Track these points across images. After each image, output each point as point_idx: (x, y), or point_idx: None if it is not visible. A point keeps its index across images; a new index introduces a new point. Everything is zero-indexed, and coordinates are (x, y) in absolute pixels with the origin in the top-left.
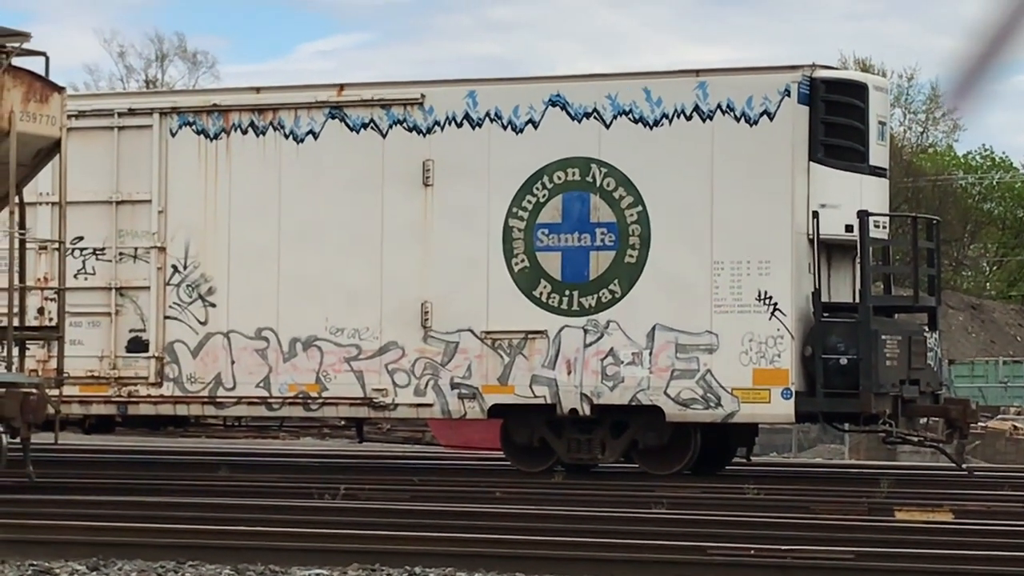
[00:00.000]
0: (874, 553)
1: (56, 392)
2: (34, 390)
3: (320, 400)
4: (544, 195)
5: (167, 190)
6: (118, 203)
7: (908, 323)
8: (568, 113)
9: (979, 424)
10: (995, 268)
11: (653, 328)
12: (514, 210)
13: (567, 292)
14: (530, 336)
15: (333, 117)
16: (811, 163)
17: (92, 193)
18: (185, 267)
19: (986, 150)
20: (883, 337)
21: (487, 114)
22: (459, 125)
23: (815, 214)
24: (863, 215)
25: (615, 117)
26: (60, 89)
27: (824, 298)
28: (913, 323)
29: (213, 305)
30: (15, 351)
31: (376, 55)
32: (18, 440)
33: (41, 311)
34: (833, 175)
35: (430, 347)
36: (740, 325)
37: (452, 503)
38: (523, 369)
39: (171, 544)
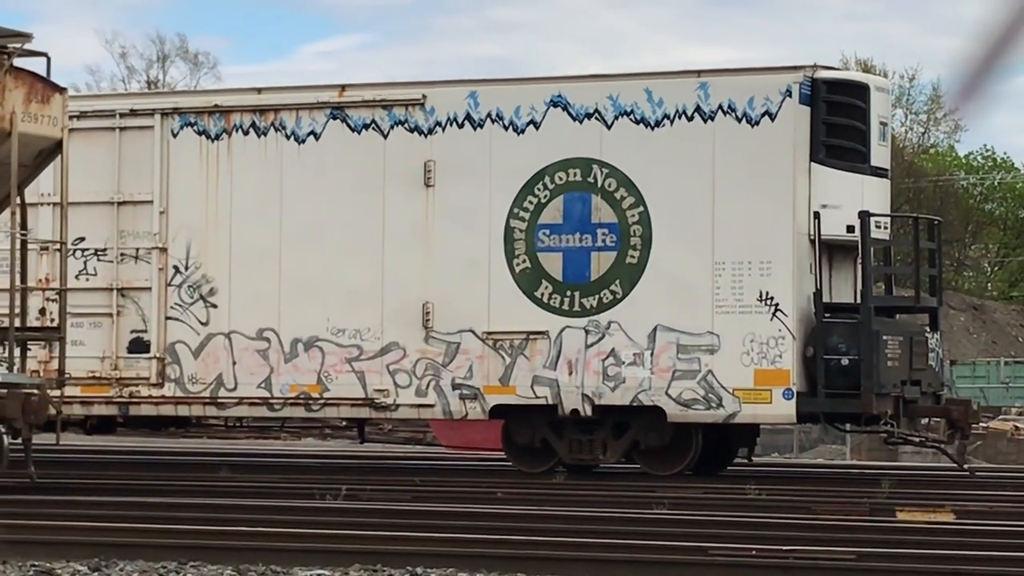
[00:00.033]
0: (875, 554)
1: (57, 393)
2: (35, 391)
3: (321, 401)
4: (545, 196)
5: (168, 191)
6: (119, 204)
7: (909, 324)
8: (569, 114)
9: (980, 425)
10: (996, 269)
11: (654, 329)
12: (515, 211)
13: (568, 293)
14: (531, 337)
15: (334, 118)
16: (812, 163)
17: (93, 194)
18: (186, 268)
19: (987, 151)
20: (884, 338)
21: (488, 115)
22: (460, 126)
23: (816, 215)
24: (864, 216)
25: (616, 118)
26: (62, 90)
27: (825, 299)
28: (914, 324)
29: (214, 306)
30: (16, 352)
31: (377, 56)
32: (20, 441)
33: (42, 312)
34: (834, 176)
35: (431, 348)
36: (741, 326)
37: (454, 504)
38: (524, 370)
39: (173, 544)
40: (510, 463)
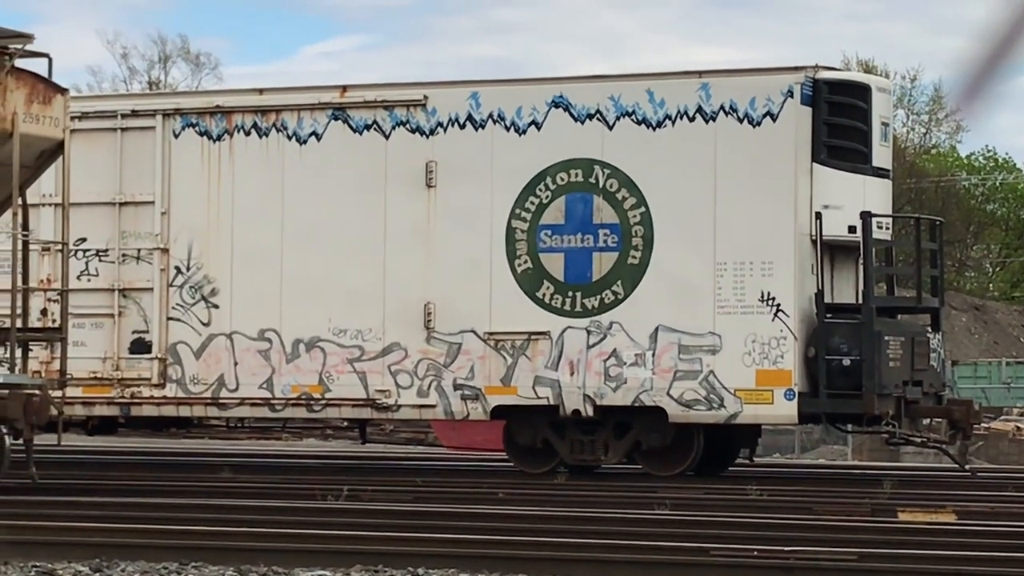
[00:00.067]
0: (877, 554)
1: (59, 393)
2: (37, 391)
3: (323, 401)
4: (547, 196)
5: (170, 191)
6: (121, 204)
7: (911, 324)
8: (571, 114)
9: (982, 425)
10: (998, 269)
11: (656, 329)
12: (517, 211)
13: (570, 293)
14: (533, 337)
15: (336, 118)
16: (814, 164)
17: (95, 194)
18: (188, 268)
19: (989, 151)
20: (886, 338)
21: (490, 115)
22: (462, 126)
23: (818, 215)
24: (866, 216)
25: (618, 118)
26: (63, 91)
27: (827, 299)
28: (916, 324)
29: (216, 306)
30: (18, 352)
31: (379, 57)
32: (21, 441)
33: (44, 312)
34: (836, 176)
35: (433, 348)
36: (743, 326)
37: (455, 504)
38: (526, 370)
39: (174, 545)
40: (511, 464)
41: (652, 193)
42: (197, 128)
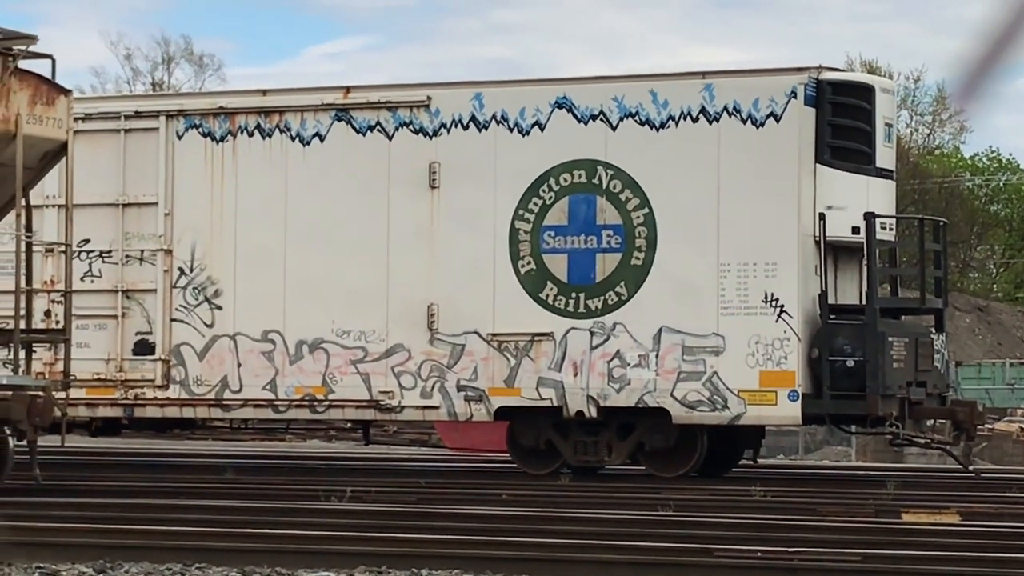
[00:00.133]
0: (881, 555)
1: (63, 395)
2: (41, 393)
3: (326, 402)
4: (550, 197)
5: (173, 192)
6: (124, 206)
7: (915, 325)
8: (574, 115)
9: (986, 426)
10: (1002, 270)
11: (659, 330)
12: (520, 212)
13: (573, 294)
14: (536, 338)
15: (339, 119)
16: (818, 165)
17: (98, 196)
18: (191, 269)
19: (993, 152)
20: (890, 339)
21: (493, 116)
22: (465, 127)
23: (822, 216)
24: (870, 217)
25: (621, 119)
26: (66, 92)
27: (831, 300)
28: (920, 325)
29: (219, 307)
30: (22, 354)
31: (383, 57)
32: (25, 443)
33: (48, 314)
34: (840, 177)
35: (436, 349)
36: (747, 327)
37: (458, 506)
38: (529, 371)
39: (177, 546)
40: (515, 465)
41: (655, 194)
42: (200, 129)
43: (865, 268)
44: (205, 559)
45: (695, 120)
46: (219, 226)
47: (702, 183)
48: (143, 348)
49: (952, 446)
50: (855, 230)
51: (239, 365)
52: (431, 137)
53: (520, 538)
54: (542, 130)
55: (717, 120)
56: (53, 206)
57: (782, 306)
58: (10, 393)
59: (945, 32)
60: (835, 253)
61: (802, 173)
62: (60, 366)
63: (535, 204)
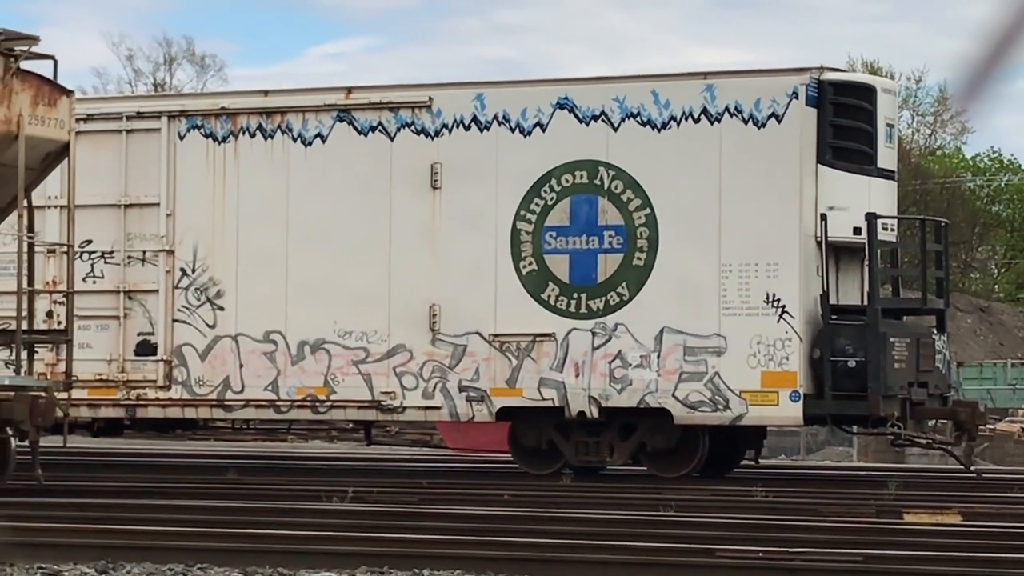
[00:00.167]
0: (882, 555)
1: (65, 395)
2: (43, 393)
3: (328, 403)
4: (552, 198)
5: (175, 193)
6: (126, 206)
7: (916, 325)
8: (576, 116)
9: (987, 426)
10: (1004, 270)
11: (661, 331)
12: (522, 213)
13: (575, 295)
14: (538, 339)
15: (341, 120)
16: (819, 165)
17: (100, 196)
18: (193, 270)
19: (994, 152)
20: (891, 340)
21: (495, 117)
22: (467, 128)
23: (823, 216)
24: (871, 217)
25: (623, 120)
26: (68, 92)
27: (832, 300)
28: (921, 325)
29: (221, 308)
30: (24, 354)
31: (385, 58)
32: (27, 443)
33: (50, 314)
34: (841, 177)
35: (438, 350)
36: (748, 328)
37: (460, 506)
38: (531, 372)
39: (179, 547)
40: (516, 465)
41: (657, 194)
42: (202, 130)
43: (867, 269)
44: (207, 559)
45: (696, 120)
46: (221, 227)
47: (704, 184)
48: (145, 349)
49: (954, 446)
50: (857, 231)
51: (241, 366)
52: (433, 138)
53: (522, 538)
54: (544, 131)
55: (719, 120)
56: (55, 207)
57: (784, 307)
58: (12, 394)
59: (947, 33)
60: (837, 254)
61: (804, 174)
62: (62, 367)
63: (537, 205)
